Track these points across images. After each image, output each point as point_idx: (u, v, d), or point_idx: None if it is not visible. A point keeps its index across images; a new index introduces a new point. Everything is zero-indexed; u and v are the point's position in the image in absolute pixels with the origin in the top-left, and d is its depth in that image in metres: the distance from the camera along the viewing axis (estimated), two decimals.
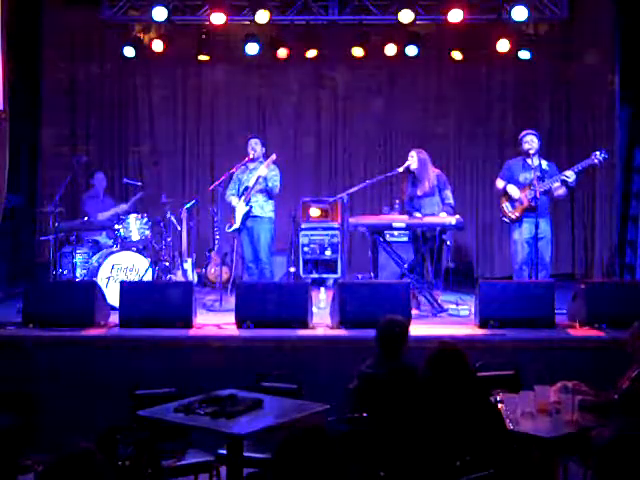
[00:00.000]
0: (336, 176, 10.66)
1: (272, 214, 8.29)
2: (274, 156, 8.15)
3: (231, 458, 4.34)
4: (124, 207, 8.81)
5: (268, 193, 8.19)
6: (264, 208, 8.22)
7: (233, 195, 8.29)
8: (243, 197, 8.18)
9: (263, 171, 8.07)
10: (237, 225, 8.21)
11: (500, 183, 7.93)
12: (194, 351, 6.44)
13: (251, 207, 8.15)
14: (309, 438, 2.72)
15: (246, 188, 8.20)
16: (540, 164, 7.64)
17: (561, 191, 7.75)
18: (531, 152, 7.64)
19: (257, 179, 8.10)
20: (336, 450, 2.74)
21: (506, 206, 7.84)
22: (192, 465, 4.77)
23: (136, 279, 7.95)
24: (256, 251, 8.21)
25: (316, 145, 10.73)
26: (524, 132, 7.86)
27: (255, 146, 8.26)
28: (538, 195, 7.43)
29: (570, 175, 7.61)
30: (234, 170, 8.34)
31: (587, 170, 8.54)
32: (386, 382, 4.48)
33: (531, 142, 7.69)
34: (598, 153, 7.61)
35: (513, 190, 7.76)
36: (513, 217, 7.79)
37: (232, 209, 8.28)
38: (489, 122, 10.55)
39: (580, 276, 9.92)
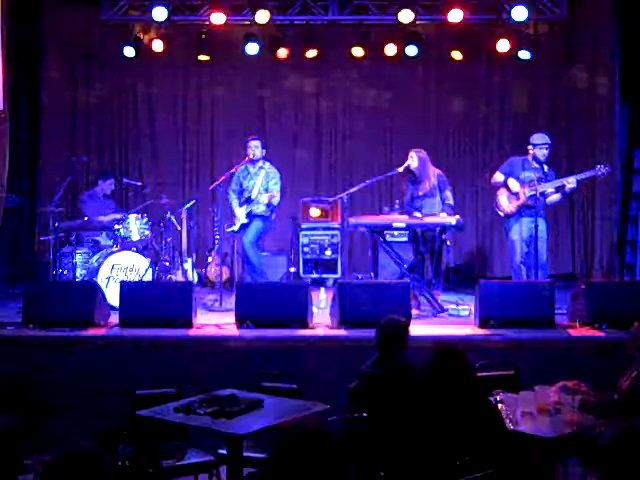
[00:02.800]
0: (336, 176, 10.65)
1: (270, 215, 8.36)
2: (276, 193, 8.22)
3: (231, 458, 4.34)
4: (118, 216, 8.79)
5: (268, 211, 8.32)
6: (264, 212, 8.32)
7: (234, 199, 8.37)
8: (245, 207, 8.24)
9: (264, 200, 8.14)
10: (236, 228, 8.34)
11: (500, 176, 7.97)
12: (194, 351, 6.44)
13: (251, 220, 8.25)
14: (309, 439, 2.72)
15: (249, 200, 8.22)
16: (542, 166, 7.69)
17: (556, 197, 7.84)
18: (542, 159, 7.70)
19: (258, 203, 8.17)
20: (335, 450, 2.75)
21: (502, 199, 7.89)
22: (192, 465, 4.77)
23: (136, 279, 7.95)
24: (243, 242, 8.28)
25: (316, 145, 10.72)
26: (542, 140, 7.81)
27: (255, 149, 8.26)
28: (538, 195, 7.47)
29: (572, 181, 7.65)
30: (234, 170, 8.36)
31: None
32: (386, 382, 4.48)
33: (545, 153, 7.73)
34: (602, 166, 7.67)
35: (513, 184, 7.81)
36: (507, 210, 7.85)
37: (232, 213, 8.37)
38: (489, 122, 10.54)
39: (580, 276, 9.92)
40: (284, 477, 2.71)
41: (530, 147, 7.81)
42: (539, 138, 7.86)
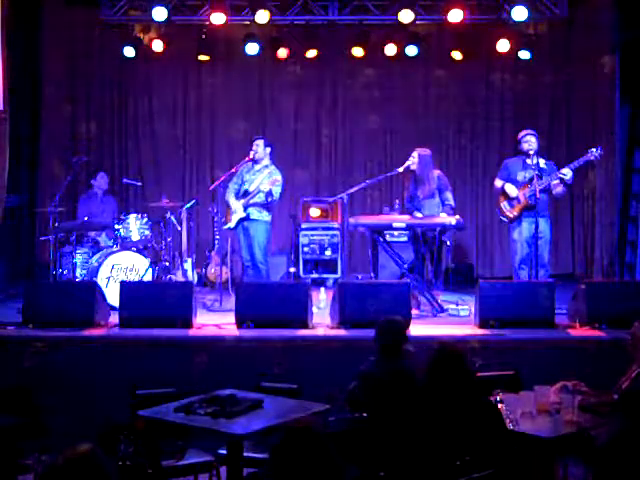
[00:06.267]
0: (336, 176, 10.65)
1: (268, 217, 8.31)
2: (279, 179, 8.15)
3: (231, 458, 4.34)
4: None
5: (266, 204, 8.22)
6: (261, 212, 8.25)
7: (232, 194, 8.28)
8: (242, 201, 8.19)
9: (266, 187, 8.06)
10: (232, 225, 8.26)
11: (499, 182, 7.95)
12: (194, 351, 6.44)
13: (248, 214, 8.18)
14: (298, 438, 2.73)
15: (246, 192, 8.20)
16: (538, 163, 7.66)
17: (559, 189, 7.77)
18: (531, 152, 7.67)
19: (258, 192, 8.11)
20: (327, 447, 2.75)
21: (504, 205, 7.86)
22: (192, 465, 4.77)
23: (136, 279, 7.94)
24: (252, 251, 8.22)
25: (316, 145, 10.72)
26: (523, 132, 7.89)
27: (256, 147, 8.24)
28: (538, 194, 7.44)
29: (567, 172, 7.62)
30: (234, 170, 8.35)
31: (586, 168, 8.57)
32: (386, 382, 4.48)
33: (530, 142, 7.72)
34: (594, 150, 7.64)
35: (510, 189, 7.79)
36: (511, 216, 7.81)
37: (228, 206, 8.29)
38: (489, 122, 10.54)
39: (580, 276, 9.91)
40: (281, 477, 2.72)
41: (518, 143, 7.86)
42: (521, 132, 7.92)
